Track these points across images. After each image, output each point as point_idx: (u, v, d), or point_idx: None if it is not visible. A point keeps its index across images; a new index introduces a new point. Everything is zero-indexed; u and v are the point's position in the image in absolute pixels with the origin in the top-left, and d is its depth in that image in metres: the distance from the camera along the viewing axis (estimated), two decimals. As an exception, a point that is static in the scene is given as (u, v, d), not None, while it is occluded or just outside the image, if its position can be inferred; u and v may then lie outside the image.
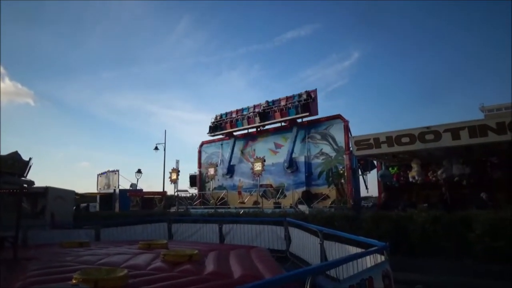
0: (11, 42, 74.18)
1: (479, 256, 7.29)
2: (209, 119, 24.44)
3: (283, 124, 20.69)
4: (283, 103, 20.20)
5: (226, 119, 22.80)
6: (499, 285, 6.25)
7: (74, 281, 3.71)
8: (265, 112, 20.61)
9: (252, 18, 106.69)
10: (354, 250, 5.26)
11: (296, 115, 19.33)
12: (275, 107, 20.46)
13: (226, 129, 22.69)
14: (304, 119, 19.83)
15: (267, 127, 21.63)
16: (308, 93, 19.54)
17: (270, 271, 4.90)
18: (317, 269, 3.16)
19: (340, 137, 18.18)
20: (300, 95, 19.68)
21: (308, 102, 19.04)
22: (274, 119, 20.34)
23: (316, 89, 19.81)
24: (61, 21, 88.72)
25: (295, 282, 2.57)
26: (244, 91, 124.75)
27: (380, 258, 4.04)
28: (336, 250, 6.08)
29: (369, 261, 4.02)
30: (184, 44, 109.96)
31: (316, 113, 19.43)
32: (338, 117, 18.58)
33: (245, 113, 21.98)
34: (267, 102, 21.10)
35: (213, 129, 23.19)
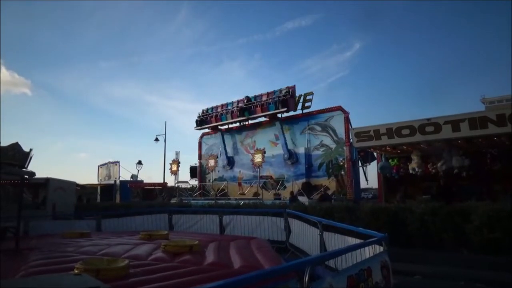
0: (7, 32, 73.72)
1: (477, 247, 7.35)
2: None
3: (265, 118, 21.01)
4: (264, 98, 20.49)
5: (212, 113, 23.12)
6: (497, 276, 6.30)
7: (76, 271, 3.75)
8: (247, 107, 20.94)
9: (252, 8, 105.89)
10: (353, 241, 5.30)
11: (275, 110, 19.60)
12: (256, 102, 20.75)
13: (211, 123, 23.07)
14: (284, 115, 20.19)
15: (251, 121, 21.96)
16: (288, 88, 19.76)
17: (269, 261, 4.95)
18: (316, 259, 3.19)
19: (340, 129, 18.18)
20: (281, 91, 19.87)
21: (286, 97, 19.32)
22: (255, 113, 20.69)
23: (294, 85, 19.98)
24: (58, 10, 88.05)
25: (294, 272, 2.59)
26: (244, 81, 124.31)
27: (378, 249, 4.08)
28: (335, 241, 6.12)
29: (368, 251, 4.06)
30: (183, 34, 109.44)
31: (294, 109, 19.71)
32: (338, 108, 18.57)
33: (229, 107, 22.23)
34: (248, 97, 21.40)
35: (200, 122, 23.59)
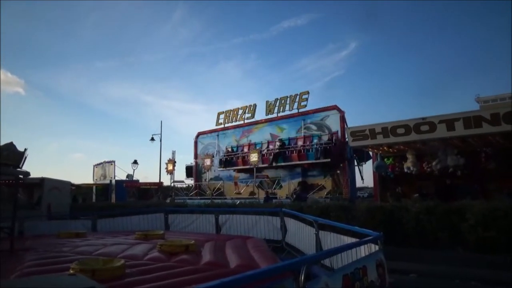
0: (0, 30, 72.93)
1: (472, 246, 7.40)
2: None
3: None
4: (300, 143, 18.91)
5: (238, 153, 21.71)
6: (492, 275, 6.35)
7: (71, 271, 3.74)
8: (282, 152, 19.06)
9: (248, 7, 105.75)
10: (349, 240, 5.32)
11: (315, 160, 17.48)
12: (292, 147, 19.03)
13: (238, 165, 21.20)
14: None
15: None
16: (331, 135, 18.14)
17: (266, 260, 4.95)
18: (312, 258, 3.20)
19: (336, 128, 18.22)
20: (320, 137, 18.29)
21: (329, 146, 17.30)
22: (291, 160, 18.58)
23: (337, 131, 18.12)
24: (53, 9, 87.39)
25: (290, 271, 2.60)
26: (240, 81, 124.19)
27: (374, 247, 4.10)
28: (331, 240, 6.14)
29: (363, 250, 4.07)
30: (179, 33, 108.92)
31: (342, 158, 17.31)
32: (334, 107, 18.62)
33: (257, 147, 20.62)
34: (281, 141, 19.76)
35: (225, 163, 21.84)
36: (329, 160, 16.90)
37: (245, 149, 21.50)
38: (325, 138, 18.54)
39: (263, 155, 19.47)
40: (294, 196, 15.28)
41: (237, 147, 22.34)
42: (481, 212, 7.34)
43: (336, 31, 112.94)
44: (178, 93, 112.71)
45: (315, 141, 18.27)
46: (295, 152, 18.42)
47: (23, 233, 9.50)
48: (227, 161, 21.78)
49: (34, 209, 14.46)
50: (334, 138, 17.90)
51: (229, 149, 22.57)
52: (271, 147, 20.16)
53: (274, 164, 19.00)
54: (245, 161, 20.37)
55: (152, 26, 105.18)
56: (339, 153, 17.09)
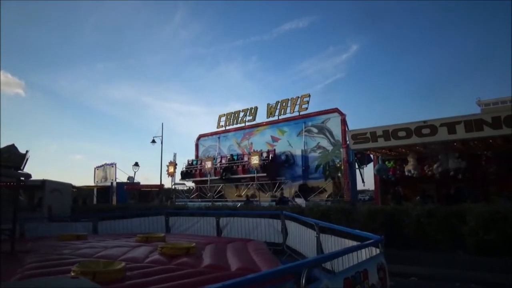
0: (1, 31, 73.16)
1: (473, 249, 7.38)
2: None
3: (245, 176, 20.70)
4: (246, 158, 20.57)
5: (196, 166, 23.47)
6: (492, 278, 6.33)
7: (72, 274, 3.74)
8: (230, 166, 21.20)
9: (249, 10, 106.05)
10: (350, 243, 5.31)
11: (255, 174, 19.34)
12: (238, 162, 20.95)
13: (195, 177, 23.20)
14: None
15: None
16: (268, 153, 20.22)
17: (266, 263, 4.95)
18: (313, 262, 3.20)
19: (337, 131, 18.24)
20: (261, 153, 19.94)
21: (266, 162, 19.36)
22: (237, 174, 20.67)
23: (274, 149, 20.58)
24: (54, 11, 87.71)
25: (291, 274, 2.60)
26: (241, 83, 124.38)
27: (375, 251, 4.09)
28: (332, 243, 6.13)
29: (364, 254, 4.07)
30: (180, 35, 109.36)
31: (275, 172, 19.62)
32: (335, 110, 18.63)
33: (215, 162, 22.30)
34: (231, 156, 22.05)
35: (185, 175, 23.67)
36: (265, 174, 18.89)
37: (203, 163, 22.82)
38: (324, 142, 18.58)
39: (215, 168, 21.75)
40: (277, 200, 15.40)
41: (197, 160, 24.09)
42: (481, 215, 7.32)
43: (337, 34, 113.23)
44: (179, 95, 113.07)
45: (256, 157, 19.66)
46: (240, 167, 20.45)
47: (24, 235, 9.49)
48: (187, 173, 23.48)
49: (35, 211, 14.46)
50: (270, 155, 19.80)
51: (190, 162, 24.33)
52: (223, 161, 22.11)
53: (223, 177, 21.15)
54: (201, 173, 22.54)
55: (153, 28, 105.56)
56: (275, 169, 19.69)
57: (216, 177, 21.69)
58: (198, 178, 22.97)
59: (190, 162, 24.15)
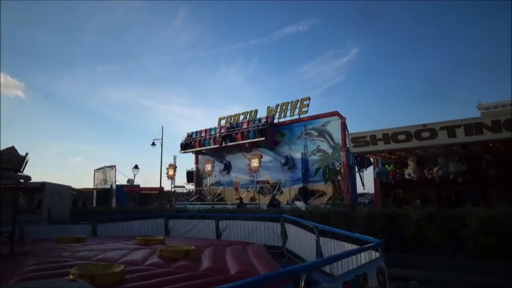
0: (0, 33, 73.21)
1: (473, 253, 7.37)
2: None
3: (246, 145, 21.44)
4: (245, 126, 21.44)
5: (196, 137, 23.99)
6: (493, 282, 6.31)
7: (71, 277, 3.73)
8: (229, 134, 21.96)
9: (250, 13, 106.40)
10: (349, 246, 5.30)
11: (254, 138, 20.35)
12: (238, 129, 21.68)
13: (195, 147, 23.86)
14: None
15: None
16: (267, 118, 20.82)
17: (266, 267, 4.94)
18: (312, 265, 3.20)
19: (337, 134, 18.22)
20: (260, 120, 21.04)
21: (265, 127, 20.21)
22: (236, 140, 21.40)
23: (273, 116, 21.02)
24: (54, 13, 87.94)
25: (291, 278, 2.60)
26: (241, 86, 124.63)
27: (374, 254, 4.08)
28: (331, 247, 6.12)
29: (364, 257, 4.06)
30: (181, 38, 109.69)
31: (272, 138, 20.64)
32: (335, 114, 18.61)
33: (212, 133, 22.98)
34: (231, 124, 22.81)
35: (184, 146, 24.39)
36: (263, 138, 19.88)
37: (203, 134, 23.75)
38: (323, 145, 18.61)
39: (214, 137, 22.50)
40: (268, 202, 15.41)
41: (196, 132, 24.41)
42: (482, 219, 7.31)
43: (337, 37, 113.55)
44: (179, 98, 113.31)
45: (256, 123, 20.92)
46: (239, 133, 21.23)
47: (23, 238, 9.48)
48: (186, 145, 24.21)
49: (35, 213, 14.45)
50: (269, 120, 20.56)
51: (189, 134, 24.78)
52: (222, 130, 22.58)
53: (223, 145, 21.95)
54: (201, 143, 23.36)
55: (154, 30, 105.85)
56: (272, 133, 20.71)
57: (215, 146, 22.35)
58: (198, 148, 23.68)
59: (189, 134, 24.62)
